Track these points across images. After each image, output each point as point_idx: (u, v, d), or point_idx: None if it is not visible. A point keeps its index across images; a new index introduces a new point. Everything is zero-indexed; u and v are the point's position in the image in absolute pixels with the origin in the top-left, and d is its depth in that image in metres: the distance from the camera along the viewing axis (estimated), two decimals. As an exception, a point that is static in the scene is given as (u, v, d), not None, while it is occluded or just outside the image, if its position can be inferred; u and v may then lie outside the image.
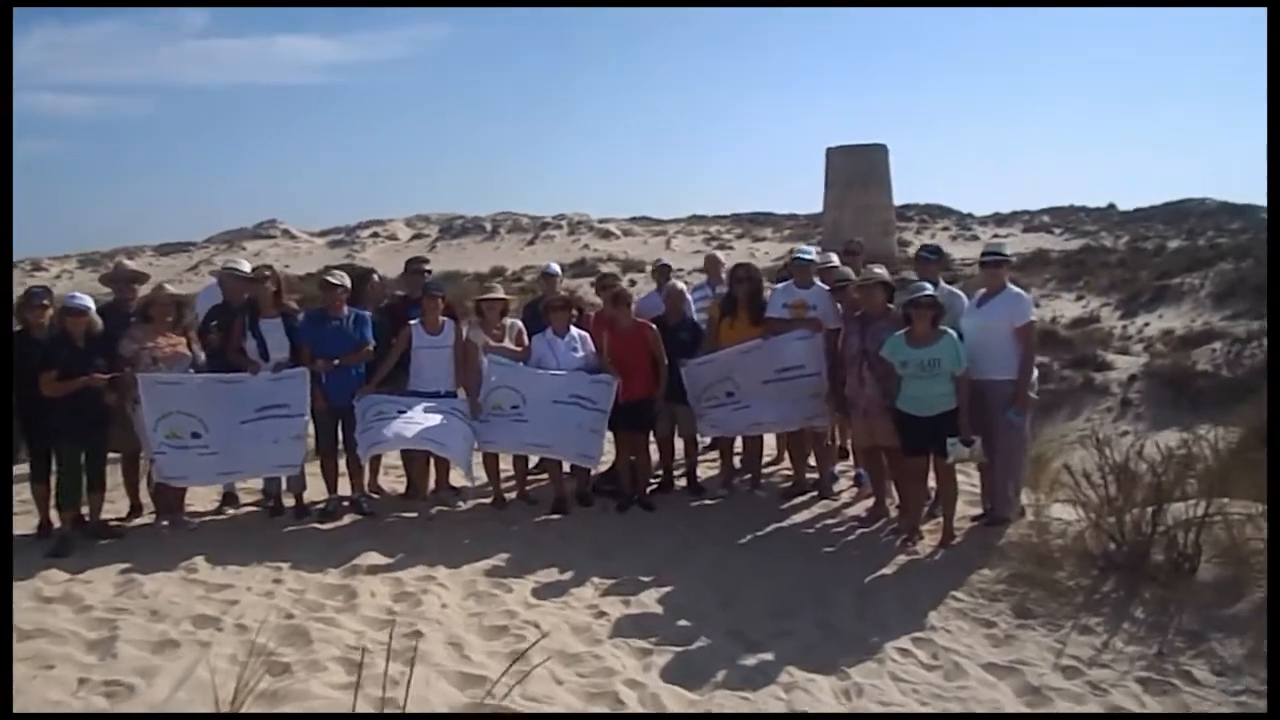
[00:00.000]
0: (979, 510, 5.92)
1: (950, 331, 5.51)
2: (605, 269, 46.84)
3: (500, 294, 7.07)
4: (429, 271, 7.44)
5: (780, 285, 6.80)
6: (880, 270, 6.33)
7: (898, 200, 52.68)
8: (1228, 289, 24.60)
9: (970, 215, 65.16)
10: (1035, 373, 5.71)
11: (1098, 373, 16.70)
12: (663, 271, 8.31)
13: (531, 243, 60.81)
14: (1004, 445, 5.51)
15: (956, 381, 5.44)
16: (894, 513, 6.06)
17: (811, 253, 7.13)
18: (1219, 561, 4.58)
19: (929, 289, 5.58)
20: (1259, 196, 65.04)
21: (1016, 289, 5.80)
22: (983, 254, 5.92)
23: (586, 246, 57.36)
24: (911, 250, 50.23)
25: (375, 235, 66.70)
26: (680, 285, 7.23)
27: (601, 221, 64.32)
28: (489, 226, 64.66)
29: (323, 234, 67.85)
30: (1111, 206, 67.74)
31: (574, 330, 6.73)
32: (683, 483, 7.08)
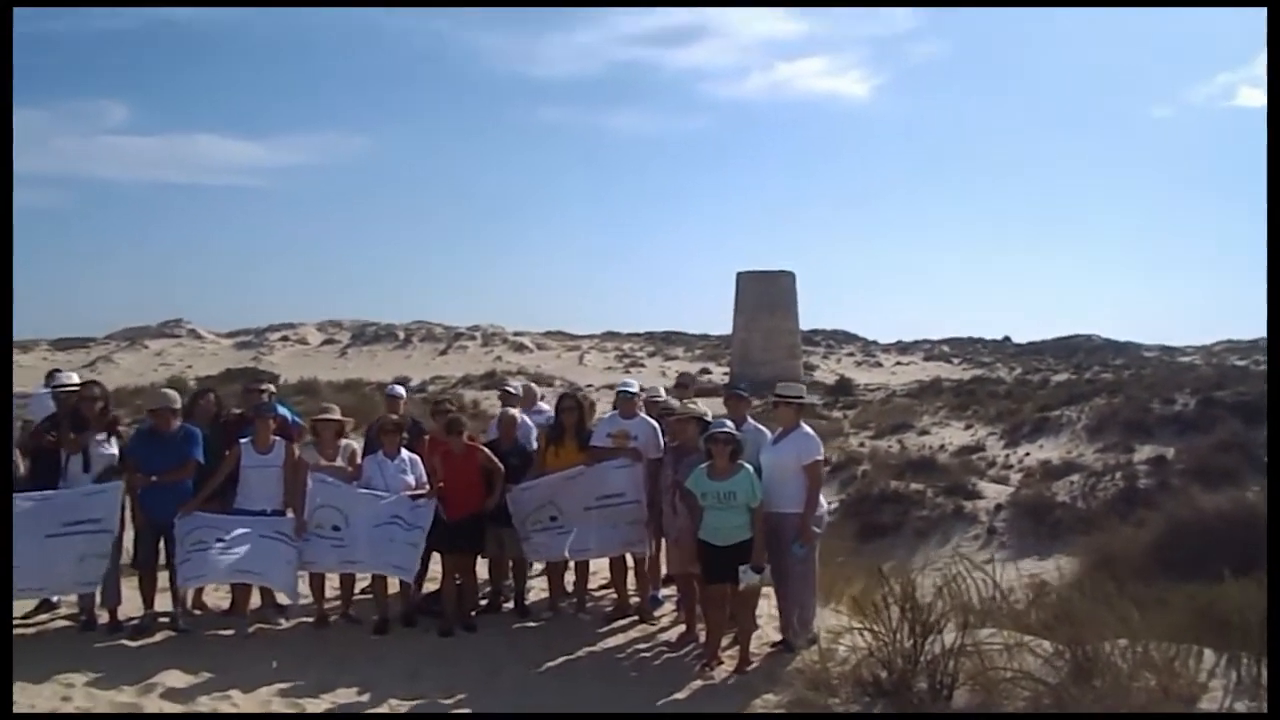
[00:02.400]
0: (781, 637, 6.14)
1: (747, 466, 5.83)
2: (515, 382, 47.17)
3: (336, 414, 7.15)
4: (266, 392, 7.55)
5: (606, 415, 7.08)
6: (696, 405, 6.67)
7: (805, 325, 54.35)
8: (1101, 423, 25.82)
9: (875, 342, 67.33)
10: (824, 507, 6.04)
11: (968, 501, 17.25)
12: (503, 398, 8.39)
13: (444, 353, 60.74)
14: (791, 576, 5.79)
15: (752, 513, 5.72)
16: (704, 638, 6.24)
17: (634, 386, 7.40)
18: (972, 687, 4.84)
19: (727, 425, 5.93)
20: (1140, 335, 69.01)
21: (807, 429, 6.17)
22: (775, 394, 6.32)
23: (499, 359, 57.49)
24: (818, 375, 51.96)
25: (285, 339, 65.82)
26: (514, 412, 7.43)
27: (516, 334, 64.68)
28: (402, 334, 64.40)
29: (230, 335, 66.65)
30: (1007, 339, 70.93)
31: (405, 453, 6.83)
32: (510, 605, 7.15)
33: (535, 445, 7.26)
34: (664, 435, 6.77)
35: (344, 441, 7.04)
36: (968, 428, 30.08)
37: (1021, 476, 21.21)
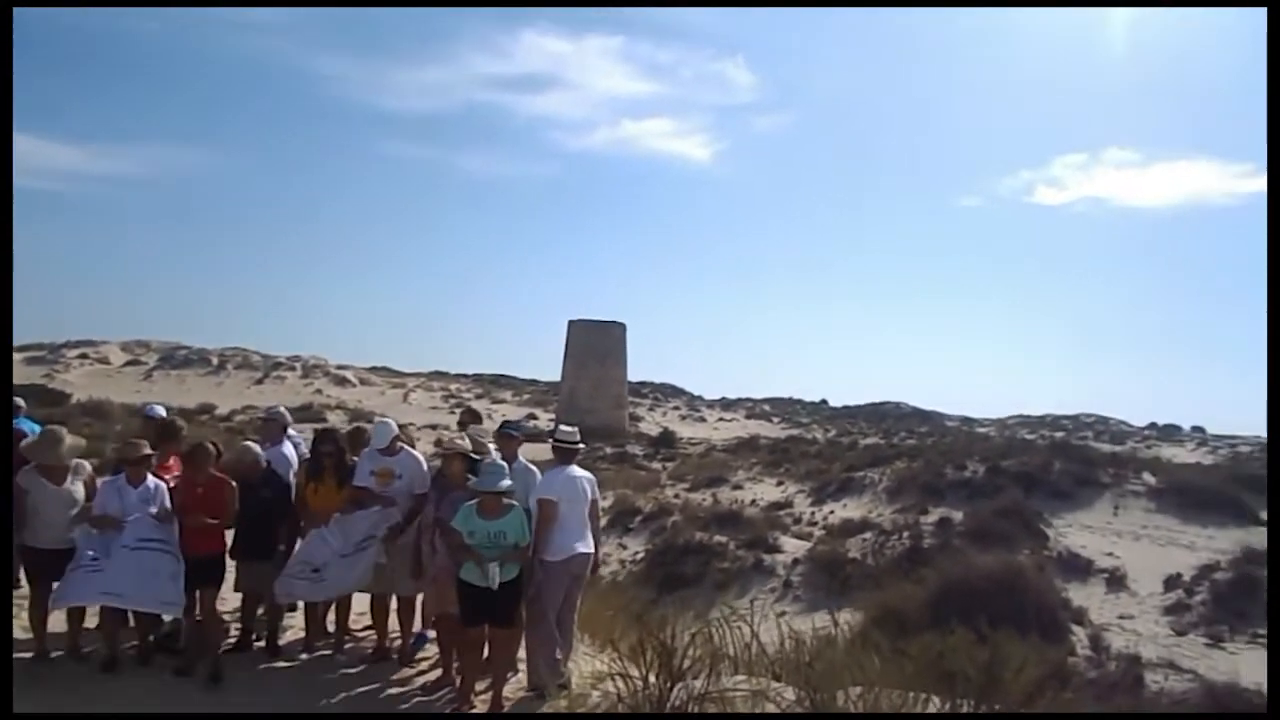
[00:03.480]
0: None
1: (518, 505, 5.71)
2: (333, 417, 45.44)
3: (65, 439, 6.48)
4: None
5: (366, 451, 6.75)
6: (462, 442, 6.47)
7: (633, 376, 55.07)
8: (900, 485, 27.13)
9: (700, 397, 68.94)
10: (575, 550, 5.91)
11: (768, 554, 17.68)
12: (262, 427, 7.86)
13: (260, 382, 58.03)
14: (529, 616, 5.71)
15: (519, 553, 5.60)
16: (460, 681, 6.03)
17: (392, 423, 6.93)
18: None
19: (504, 466, 5.80)
20: (944, 405, 73.57)
21: (566, 470, 6.08)
22: (554, 439, 6.26)
23: (319, 391, 55.39)
24: (643, 426, 52.54)
25: (84, 356, 61.36)
26: (256, 449, 6.81)
27: (339, 367, 62.52)
28: (215, 360, 61.17)
29: (21, 349, 61.54)
30: (824, 402, 74.17)
31: (151, 481, 6.31)
32: (262, 643, 6.72)
33: (293, 478, 6.90)
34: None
35: (76, 461, 6.46)
36: (779, 484, 30.99)
37: (824, 533, 22.00)
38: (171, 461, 6.69)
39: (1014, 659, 5.25)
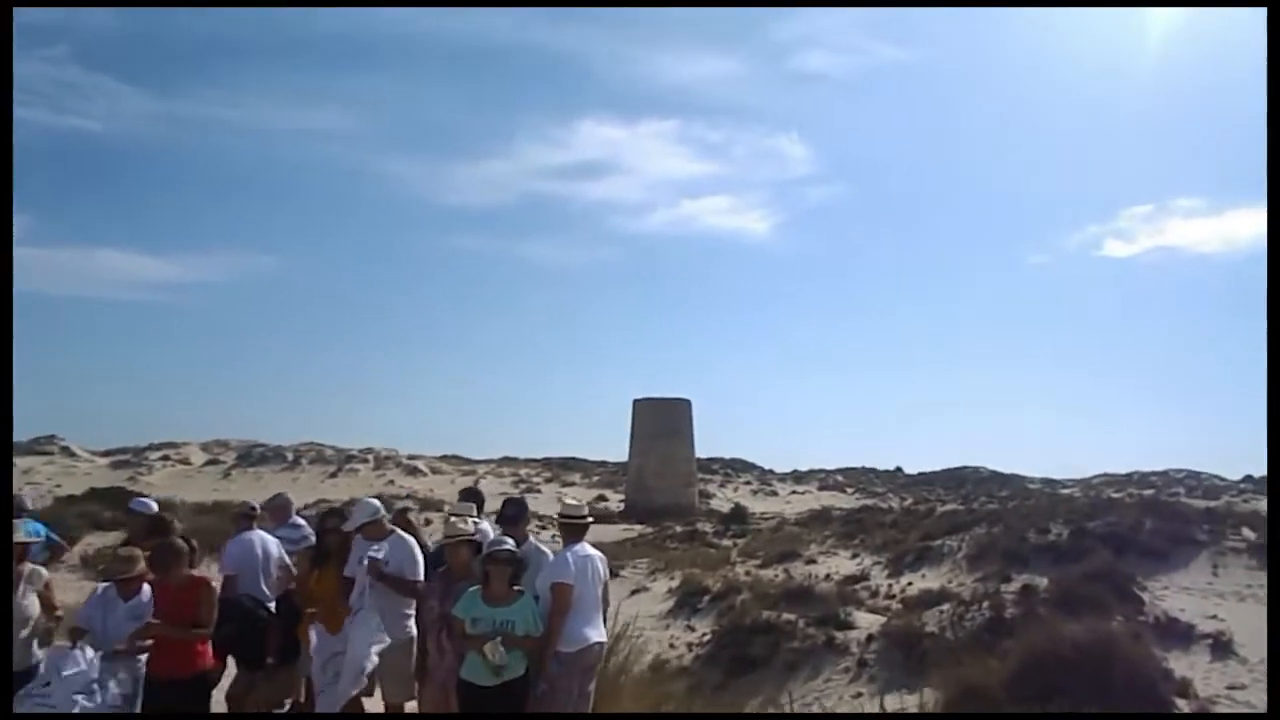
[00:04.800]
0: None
1: (527, 593, 5.24)
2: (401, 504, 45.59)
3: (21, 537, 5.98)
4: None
5: (356, 538, 6.29)
6: (466, 526, 5.98)
7: (701, 453, 54.38)
8: (980, 552, 25.91)
9: (771, 471, 67.67)
10: (587, 641, 5.40)
11: (839, 631, 16.82)
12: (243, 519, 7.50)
13: (334, 475, 58.75)
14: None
15: (529, 648, 5.06)
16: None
17: (376, 503, 6.53)
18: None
19: (508, 543, 5.37)
20: (1025, 468, 71.19)
21: (577, 548, 5.57)
22: (559, 515, 5.81)
23: (391, 482, 55.81)
24: (714, 503, 51.61)
25: (166, 458, 63.03)
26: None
27: (410, 458, 63.08)
28: (290, 456, 62.26)
29: (107, 454, 63.46)
30: (899, 469, 72.15)
31: (146, 592, 5.68)
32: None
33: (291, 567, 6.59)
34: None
35: (25, 566, 5.86)
36: (854, 556, 29.86)
37: (900, 607, 20.96)
38: None
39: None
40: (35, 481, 51.47)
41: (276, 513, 7.61)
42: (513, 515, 6.13)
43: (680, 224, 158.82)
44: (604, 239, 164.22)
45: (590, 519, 5.90)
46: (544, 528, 26.79)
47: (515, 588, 5.21)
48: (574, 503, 5.90)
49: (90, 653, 5.25)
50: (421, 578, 5.96)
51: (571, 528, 5.68)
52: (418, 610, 5.87)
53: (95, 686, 5.14)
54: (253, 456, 62.96)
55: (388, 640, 5.64)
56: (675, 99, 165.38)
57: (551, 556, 5.74)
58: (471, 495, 7.29)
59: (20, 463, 56.92)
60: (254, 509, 7.50)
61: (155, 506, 7.32)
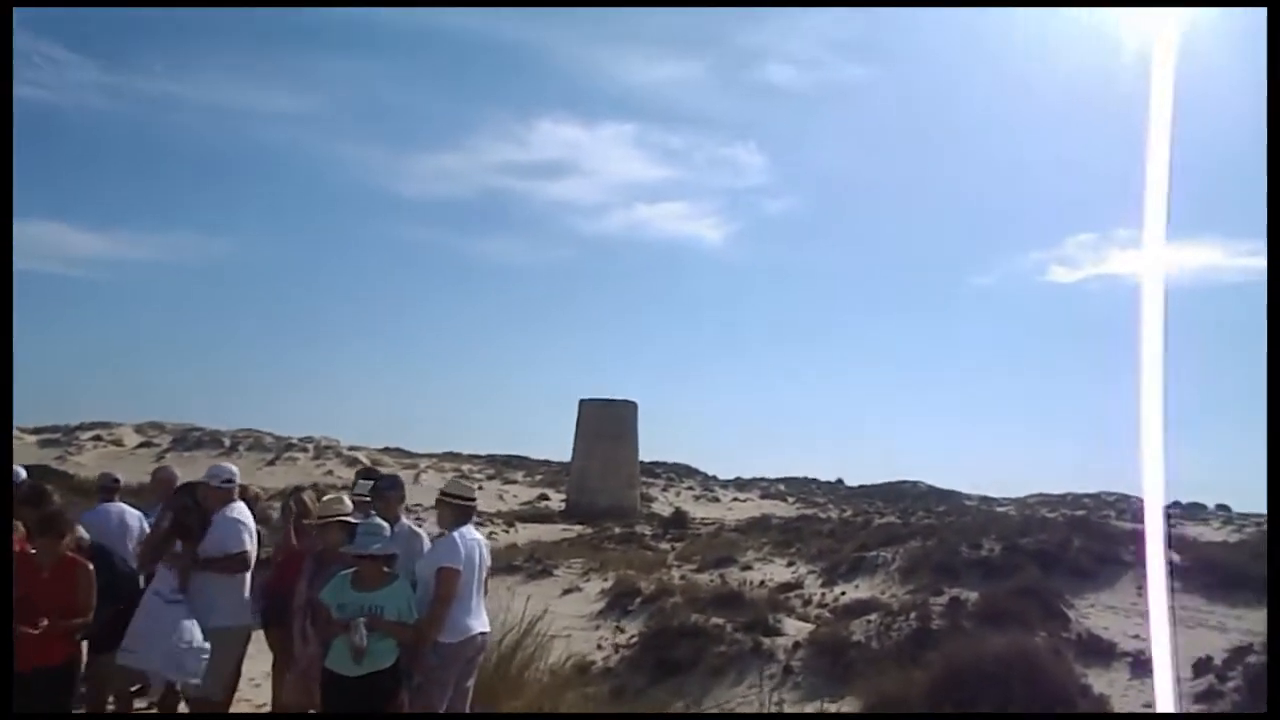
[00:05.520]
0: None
1: (401, 576, 4.96)
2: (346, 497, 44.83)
3: None
4: None
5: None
6: (344, 504, 5.65)
7: (646, 456, 54.28)
8: (913, 565, 26.08)
9: (714, 477, 67.78)
10: (469, 632, 5.14)
11: (767, 638, 16.74)
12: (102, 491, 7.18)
13: (272, 463, 57.72)
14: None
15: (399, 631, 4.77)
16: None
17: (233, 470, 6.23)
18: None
19: (381, 525, 5.09)
20: (963, 484, 72.26)
21: (461, 531, 5.27)
22: (446, 493, 5.49)
23: (330, 472, 54.89)
24: (656, 506, 51.50)
25: (98, 438, 61.43)
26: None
27: (351, 449, 62.17)
28: (227, 441, 61.02)
29: (35, 431, 61.64)
30: (840, 481, 72.72)
31: None
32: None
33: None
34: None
35: None
36: (789, 564, 29.92)
37: (830, 615, 20.97)
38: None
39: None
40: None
41: (159, 485, 7.19)
42: (385, 487, 5.82)
43: (635, 228, 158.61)
44: (559, 239, 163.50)
45: (475, 500, 5.61)
46: (481, 524, 26.47)
47: (385, 570, 4.92)
48: (466, 482, 5.63)
49: None
50: (246, 549, 5.65)
51: (457, 508, 5.35)
52: (285, 594, 5.53)
53: None
54: (188, 440, 61.63)
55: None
56: (635, 102, 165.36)
57: (427, 538, 5.48)
58: (369, 475, 6.96)
59: (-58, 437, 55.13)
60: (116, 481, 7.14)
61: (24, 474, 6.86)
